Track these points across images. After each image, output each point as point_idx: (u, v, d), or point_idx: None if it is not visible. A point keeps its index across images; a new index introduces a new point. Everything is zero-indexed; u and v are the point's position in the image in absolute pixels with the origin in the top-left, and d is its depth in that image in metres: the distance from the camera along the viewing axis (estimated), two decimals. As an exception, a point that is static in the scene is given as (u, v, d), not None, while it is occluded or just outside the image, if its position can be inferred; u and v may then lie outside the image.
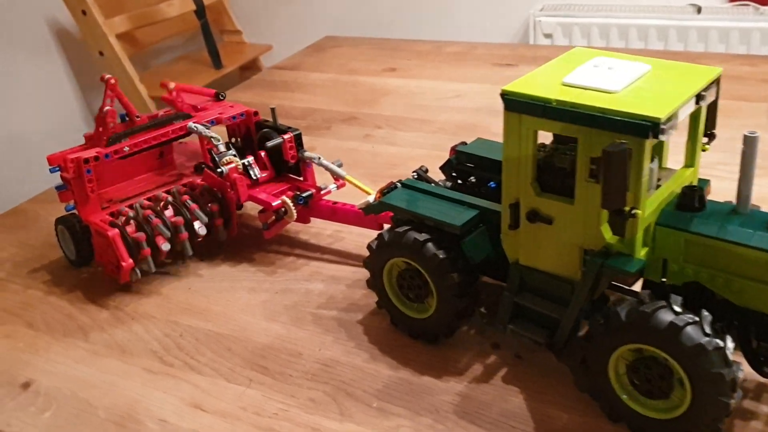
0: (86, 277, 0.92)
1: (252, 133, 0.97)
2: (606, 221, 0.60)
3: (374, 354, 0.74)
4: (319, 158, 0.90)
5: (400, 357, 0.73)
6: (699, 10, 2.21)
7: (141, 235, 0.85)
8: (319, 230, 0.97)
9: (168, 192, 0.92)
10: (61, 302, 0.87)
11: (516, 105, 0.62)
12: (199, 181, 0.94)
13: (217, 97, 1.00)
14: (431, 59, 1.59)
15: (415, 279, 0.72)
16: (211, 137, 0.90)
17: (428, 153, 1.17)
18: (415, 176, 0.83)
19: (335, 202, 0.91)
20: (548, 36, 2.38)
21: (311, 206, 0.91)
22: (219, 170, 0.88)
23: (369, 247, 0.74)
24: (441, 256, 0.68)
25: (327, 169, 0.90)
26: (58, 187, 0.92)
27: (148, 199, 0.91)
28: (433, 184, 0.79)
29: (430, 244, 0.69)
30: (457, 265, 0.69)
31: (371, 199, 0.77)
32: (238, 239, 0.95)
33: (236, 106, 0.98)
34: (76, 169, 0.85)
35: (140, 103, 2.39)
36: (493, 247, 0.69)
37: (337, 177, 0.92)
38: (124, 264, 0.83)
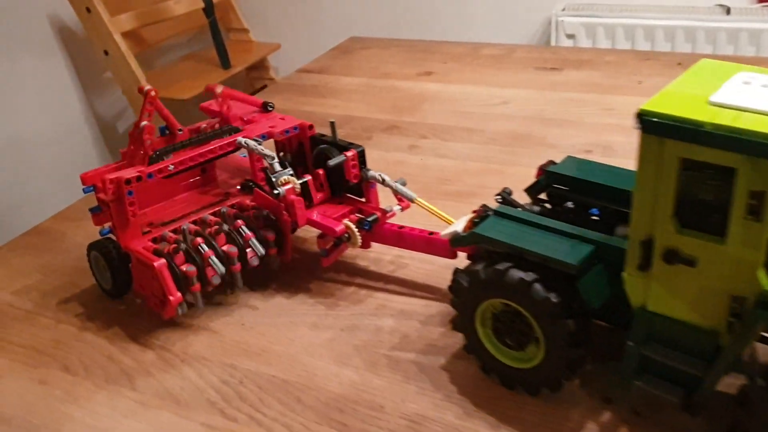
0: (124, 309, 0.83)
1: (306, 149, 0.88)
2: (764, 265, 0.51)
3: (467, 408, 0.65)
4: (384, 178, 0.80)
5: (497, 413, 0.64)
6: (728, 11, 2.13)
7: (191, 268, 0.75)
8: (378, 255, 0.88)
9: (216, 214, 0.83)
10: (99, 340, 0.78)
11: (658, 127, 0.53)
12: (248, 201, 0.85)
13: (266, 108, 0.91)
14: (468, 62, 1.50)
15: (516, 323, 0.63)
16: (265, 155, 0.80)
17: (484, 166, 1.08)
18: (500, 200, 0.74)
19: (401, 226, 0.82)
20: (571, 36, 2.30)
21: (374, 230, 0.82)
22: (276, 192, 0.79)
23: (457, 284, 0.65)
24: (554, 300, 0.59)
25: (395, 190, 0.80)
26: (92, 210, 0.83)
27: (194, 223, 0.82)
28: (520, 209, 0.70)
29: (538, 285, 0.60)
30: (572, 310, 0.60)
31: (459, 228, 0.68)
32: (291, 266, 0.86)
33: (287, 119, 0.88)
34: (116, 190, 0.76)
35: (147, 105, 2.29)
36: (611, 288, 0.61)
37: (403, 198, 0.83)
38: (171, 298, 0.74)
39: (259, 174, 0.84)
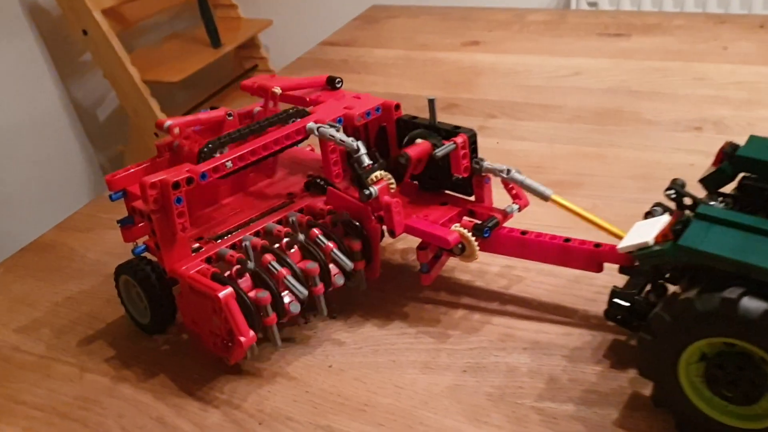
0: (168, 350, 0.64)
1: (390, 135, 0.69)
2: None
3: (675, 485, 0.48)
4: (509, 170, 0.62)
5: (721, 491, 0.47)
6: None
7: (265, 295, 0.57)
8: (482, 266, 0.70)
9: (283, 222, 0.64)
10: (142, 395, 0.59)
11: None
12: (320, 204, 0.66)
13: (333, 85, 0.72)
14: (517, 30, 1.31)
15: (745, 370, 0.46)
16: (347, 143, 0.61)
17: (577, 149, 0.90)
18: (673, 195, 0.56)
19: (524, 231, 0.64)
20: (592, 4, 2.13)
21: (491, 237, 0.64)
22: (366, 192, 0.60)
23: (657, 320, 0.47)
24: (822, 342, 0.42)
25: (526, 187, 0.62)
26: (122, 222, 0.64)
27: (256, 235, 0.63)
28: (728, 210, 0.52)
29: (794, 321, 0.43)
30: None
31: (649, 238, 0.50)
32: (376, 284, 0.67)
33: (364, 97, 0.69)
34: (161, 197, 0.57)
35: (132, 90, 2.07)
36: None
37: (521, 195, 0.64)
38: (243, 339, 0.55)
39: (333, 169, 0.65)
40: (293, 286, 0.58)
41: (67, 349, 0.65)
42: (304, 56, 1.30)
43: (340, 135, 0.62)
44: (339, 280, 0.61)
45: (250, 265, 0.58)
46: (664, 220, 0.51)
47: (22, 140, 2.04)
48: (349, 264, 0.61)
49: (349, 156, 0.62)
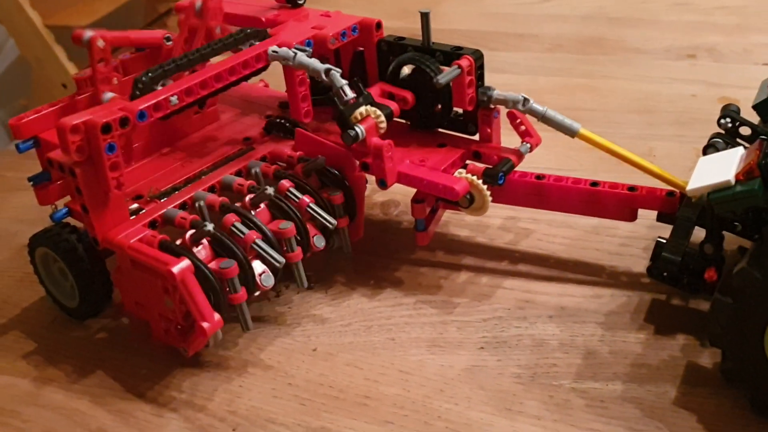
0: (105, 340, 0.51)
1: (369, 60, 0.56)
2: None
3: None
4: (526, 100, 0.50)
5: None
6: None
7: (230, 265, 0.44)
8: (478, 218, 0.59)
9: (243, 174, 0.51)
10: (75, 401, 0.46)
11: None
12: (287, 150, 0.53)
13: (294, 1, 0.58)
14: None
15: None
16: (325, 72, 0.49)
17: (567, 81, 0.79)
18: (729, 124, 0.47)
19: (540, 176, 0.53)
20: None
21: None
22: (351, 132, 0.48)
23: (743, 277, 0.38)
24: None
25: (548, 121, 0.50)
26: (34, 180, 0.49)
27: (211, 190, 0.50)
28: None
29: None
30: None
31: (730, 176, 0.39)
32: (361, 245, 0.55)
33: (336, 15, 0.56)
34: (86, 144, 0.43)
35: (34, 36, 1.85)
36: None
37: (567, 131, 0.52)
38: (206, 325, 0.43)
39: (301, 106, 0.52)
40: (265, 252, 0.46)
41: (-29, 345, 0.51)
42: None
43: (314, 62, 0.49)
44: (319, 242, 0.49)
45: (209, 227, 0.45)
46: (740, 153, 0.41)
47: None
48: (331, 221, 0.49)
49: (326, 88, 0.49)
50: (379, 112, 0.49)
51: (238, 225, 0.46)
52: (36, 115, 0.49)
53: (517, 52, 0.87)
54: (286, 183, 0.49)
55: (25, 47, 2.03)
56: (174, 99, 0.46)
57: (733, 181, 0.39)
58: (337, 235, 0.52)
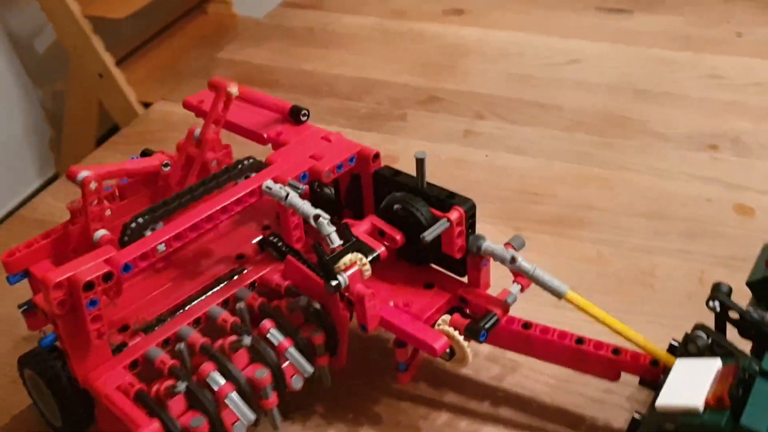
0: (87, 461, 0.52)
1: (364, 187, 0.56)
2: None
3: None
4: (514, 258, 0.50)
5: None
6: None
7: (200, 425, 0.45)
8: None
9: (230, 304, 0.52)
10: None
11: None
12: (276, 277, 0.53)
13: (298, 117, 0.58)
14: (505, -4, 1.16)
15: None
16: (315, 217, 0.48)
17: (579, 170, 0.78)
18: (716, 307, 0.45)
19: (527, 324, 0.52)
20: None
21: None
22: (333, 283, 0.48)
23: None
24: None
25: (536, 281, 0.50)
26: (24, 308, 0.50)
27: (197, 323, 0.50)
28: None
29: None
30: None
31: (698, 402, 0.38)
32: (344, 371, 0.56)
33: (337, 140, 0.56)
34: (67, 299, 0.44)
35: (72, 26, 1.86)
36: None
37: (554, 293, 0.51)
38: (174, 485, 0.44)
39: (293, 233, 0.53)
40: (238, 408, 0.46)
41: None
42: (264, 21, 1.13)
43: (305, 205, 0.49)
44: (297, 383, 0.50)
45: (180, 387, 0.45)
46: (717, 367, 0.40)
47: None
48: (307, 369, 0.49)
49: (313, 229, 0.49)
50: (364, 258, 0.49)
51: (215, 376, 0.47)
52: (27, 250, 0.50)
53: (536, 127, 0.85)
54: (267, 324, 0.49)
55: (63, 35, 2.06)
56: (161, 247, 0.47)
57: (701, 409, 0.38)
58: (319, 370, 0.52)
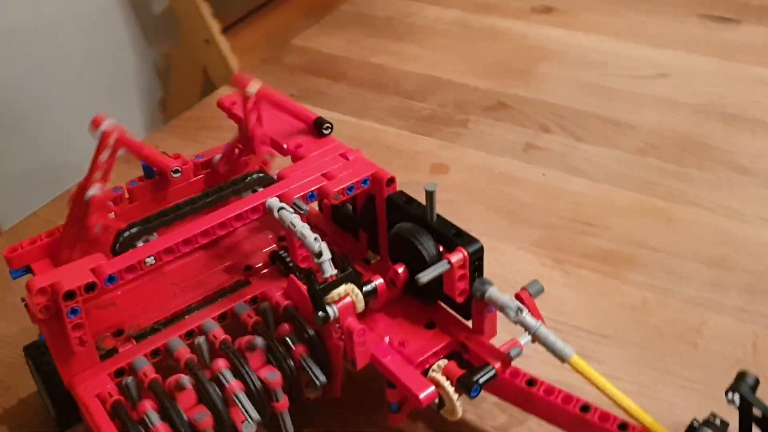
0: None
1: (378, 210, 0.53)
2: None
3: None
4: (519, 309, 0.46)
5: None
6: None
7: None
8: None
9: (227, 317, 0.50)
10: None
11: None
12: (278, 296, 0.51)
13: (320, 129, 0.55)
14: (602, -3, 1.08)
15: None
16: (309, 244, 0.46)
17: (641, 200, 0.72)
18: (735, 401, 0.40)
19: (531, 380, 0.48)
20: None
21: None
22: (321, 314, 0.45)
23: None
24: None
25: (540, 341, 0.45)
26: (26, 303, 0.51)
27: (189, 335, 0.49)
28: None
29: None
30: None
31: None
32: (334, 404, 0.53)
33: (356, 158, 0.53)
34: (49, 306, 0.44)
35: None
36: None
37: (557, 356, 0.47)
38: None
39: (299, 253, 0.50)
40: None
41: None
42: (344, 8, 1.11)
43: (304, 230, 0.47)
44: (248, 430, 0.47)
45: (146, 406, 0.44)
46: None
47: (71, 33, 1.91)
48: (253, 418, 0.45)
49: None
50: (357, 290, 0.46)
51: (174, 406, 0.45)
52: (30, 246, 0.50)
53: (604, 147, 0.79)
54: (220, 363, 0.46)
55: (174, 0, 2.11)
56: (150, 260, 0.46)
57: None
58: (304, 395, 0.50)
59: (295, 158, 0.55)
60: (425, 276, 0.45)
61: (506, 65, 0.94)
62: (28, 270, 0.50)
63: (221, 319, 0.51)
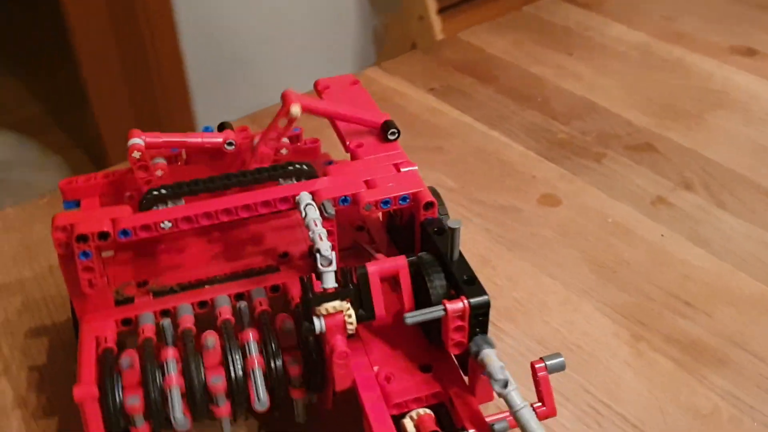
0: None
1: (415, 232, 0.49)
2: None
3: None
4: (507, 383, 0.40)
5: None
6: None
7: (134, 402, 0.44)
8: None
9: (245, 297, 0.50)
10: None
11: None
12: (296, 290, 0.50)
13: (386, 135, 0.53)
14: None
15: None
16: (320, 248, 0.44)
17: (762, 291, 0.61)
18: None
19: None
20: None
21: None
22: (306, 324, 0.44)
23: None
24: None
25: (523, 429, 0.40)
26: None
27: (202, 305, 0.50)
28: None
29: None
30: None
31: None
32: (332, 413, 0.51)
33: (408, 173, 0.50)
34: (64, 244, 0.46)
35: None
36: None
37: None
38: (91, 448, 0.45)
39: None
40: (173, 404, 0.45)
41: (20, 365, 0.60)
42: (526, 10, 1.05)
43: (321, 233, 0.45)
44: (259, 405, 0.47)
45: (125, 362, 0.45)
46: None
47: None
48: (261, 396, 0.45)
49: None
50: (350, 309, 0.44)
51: (170, 363, 0.45)
52: (85, 182, 0.53)
53: (747, 222, 0.68)
54: (248, 334, 0.46)
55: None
56: (167, 224, 0.46)
57: None
58: (296, 404, 0.48)
59: (353, 157, 0.53)
60: (412, 317, 0.41)
61: (674, 104, 0.84)
62: (77, 204, 0.54)
63: (237, 298, 0.51)
